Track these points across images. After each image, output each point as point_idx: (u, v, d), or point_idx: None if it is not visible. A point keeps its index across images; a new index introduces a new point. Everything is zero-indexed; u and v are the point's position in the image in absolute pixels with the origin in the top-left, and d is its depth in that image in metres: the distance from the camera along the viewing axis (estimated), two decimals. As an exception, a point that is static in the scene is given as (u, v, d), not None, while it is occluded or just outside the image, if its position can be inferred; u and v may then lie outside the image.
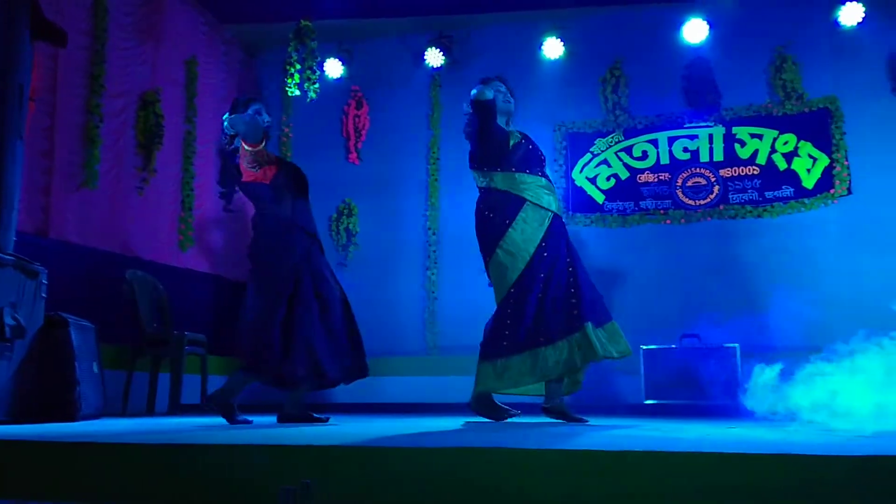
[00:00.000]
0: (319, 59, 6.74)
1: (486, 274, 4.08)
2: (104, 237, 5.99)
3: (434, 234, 7.52)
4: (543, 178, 4.03)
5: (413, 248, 7.56)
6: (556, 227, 3.96)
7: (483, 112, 3.98)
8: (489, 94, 3.97)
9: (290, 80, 6.22)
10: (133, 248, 6.24)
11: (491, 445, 2.05)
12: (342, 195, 7.63)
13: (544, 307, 3.80)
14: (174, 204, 6.79)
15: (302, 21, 6.30)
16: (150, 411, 5.69)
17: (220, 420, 3.90)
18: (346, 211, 7.63)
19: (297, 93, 6.30)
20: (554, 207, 3.98)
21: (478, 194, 4.10)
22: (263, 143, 3.82)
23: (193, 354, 5.88)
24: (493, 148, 4.00)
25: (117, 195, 6.14)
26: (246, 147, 3.73)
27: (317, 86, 6.22)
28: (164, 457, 2.21)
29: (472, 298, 6.47)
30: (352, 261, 7.55)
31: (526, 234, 3.89)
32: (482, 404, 3.97)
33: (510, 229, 3.90)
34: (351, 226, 7.61)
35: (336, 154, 7.74)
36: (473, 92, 3.98)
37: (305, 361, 3.74)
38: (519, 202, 3.93)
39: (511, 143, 4.02)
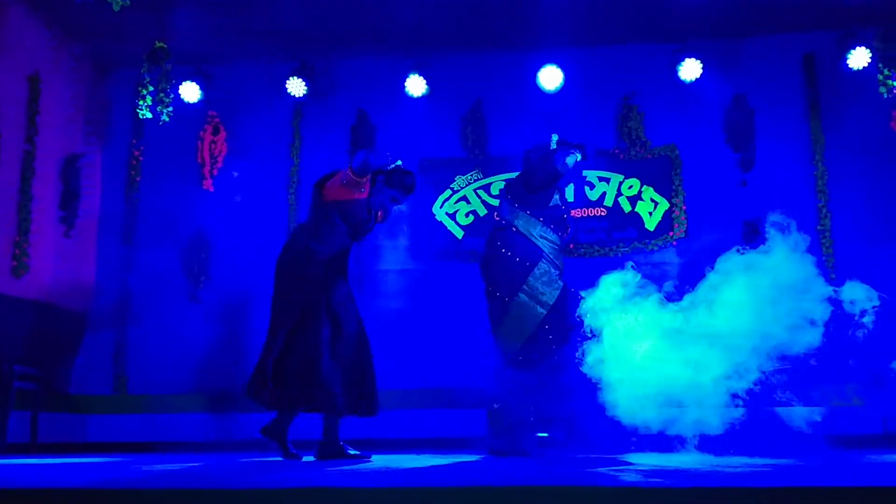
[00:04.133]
0: (174, 81, 6.53)
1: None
2: (-75, 261, 5.50)
3: (292, 265, 7.37)
4: (559, 241, 4.21)
5: (272, 281, 7.37)
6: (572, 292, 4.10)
7: (551, 177, 4.16)
8: (570, 165, 4.17)
9: (141, 102, 5.98)
10: (-41, 273, 5.76)
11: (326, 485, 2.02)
12: (195, 223, 7.36)
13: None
14: (9, 227, 6.34)
15: (157, 42, 6.09)
16: (-29, 452, 5.22)
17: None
18: (198, 240, 7.35)
19: (149, 115, 6.06)
20: (556, 276, 4.12)
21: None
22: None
23: (24, 390, 5.47)
24: (535, 197, 4.17)
25: (-57, 216, 5.67)
26: (353, 176, 4.05)
27: (170, 109, 6.02)
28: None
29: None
30: (204, 294, 7.28)
31: (544, 281, 4.03)
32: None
33: (531, 275, 4.02)
34: (204, 256, 7.34)
35: (190, 180, 7.47)
36: (569, 160, 4.18)
37: (299, 383, 3.89)
38: (538, 251, 4.09)
39: (551, 203, 4.22)
